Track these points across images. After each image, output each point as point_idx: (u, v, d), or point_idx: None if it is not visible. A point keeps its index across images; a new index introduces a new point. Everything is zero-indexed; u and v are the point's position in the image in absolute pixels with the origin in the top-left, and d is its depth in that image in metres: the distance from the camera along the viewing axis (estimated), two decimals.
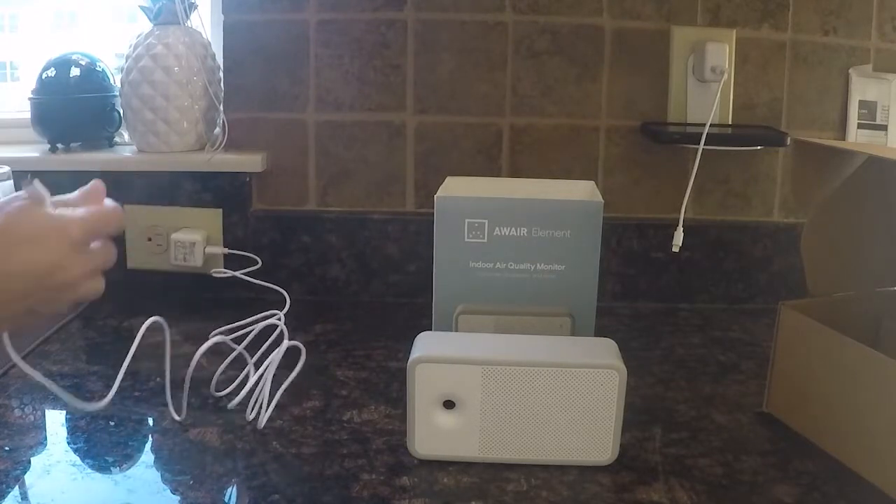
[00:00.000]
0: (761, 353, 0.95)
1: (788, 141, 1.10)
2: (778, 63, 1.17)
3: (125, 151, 1.21)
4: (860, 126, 1.20)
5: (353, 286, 1.18)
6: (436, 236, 0.85)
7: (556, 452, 0.70)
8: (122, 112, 1.20)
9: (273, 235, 1.18)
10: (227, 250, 1.17)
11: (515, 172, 1.18)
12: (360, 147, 1.18)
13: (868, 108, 1.20)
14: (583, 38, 1.16)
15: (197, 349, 0.77)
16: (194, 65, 1.16)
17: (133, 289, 1.11)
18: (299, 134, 1.18)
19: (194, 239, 1.16)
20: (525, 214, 0.84)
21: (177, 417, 0.78)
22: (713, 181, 1.19)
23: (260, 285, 1.11)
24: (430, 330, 0.84)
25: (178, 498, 0.67)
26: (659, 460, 0.72)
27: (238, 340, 0.87)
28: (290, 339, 0.88)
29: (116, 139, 1.24)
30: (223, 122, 1.18)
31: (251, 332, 0.92)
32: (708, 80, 1.15)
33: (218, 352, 0.82)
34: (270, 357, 0.85)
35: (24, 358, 0.62)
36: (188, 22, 1.18)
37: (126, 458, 0.72)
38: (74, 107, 1.19)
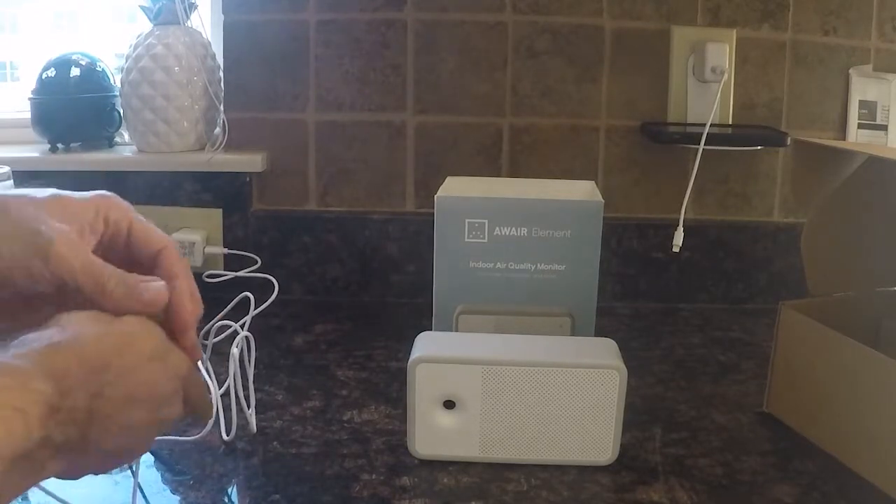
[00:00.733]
0: (761, 353, 0.95)
1: (788, 141, 1.10)
2: (778, 63, 1.17)
3: (125, 151, 1.21)
4: (860, 126, 1.20)
5: (353, 286, 1.18)
6: (436, 236, 0.85)
7: (557, 452, 0.70)
8: (122, 112, 1.20)
9: (273, 235, 1.18)
10: (227, 250, 1.17)
11: (515, 172, 1.18)
12: (360, 147, 1.18)
13: (868, 108, 1.20)
14: (583, 38, 1.16)
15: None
16: (194, 65, 1.16)
17: None
18: (299, 134, 1.18)
19: (194, 239, 1.16)
20: (525, 214, 0.84)
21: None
22: (713, 181, 1.19)
23: (260, 283, 1.11)
24: (430, 330, 0.84)
25: (179, 498, 0.67)
26: (659, 460, 0.72)
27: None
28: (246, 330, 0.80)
29: (116, 139, 1.24)
30: (223, 122, 1.18)
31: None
32: (708, 80, 1.15)
33: (218, 351, 0.81)
34: (232, 368, 0.77)
35: None
36: (188, 22, 1.18)
37: None
38: (74, 107, 1.19)
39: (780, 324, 0.78)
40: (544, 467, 0.70)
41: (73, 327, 0.46)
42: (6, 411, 0.39)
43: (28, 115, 1.20)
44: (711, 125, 1.12)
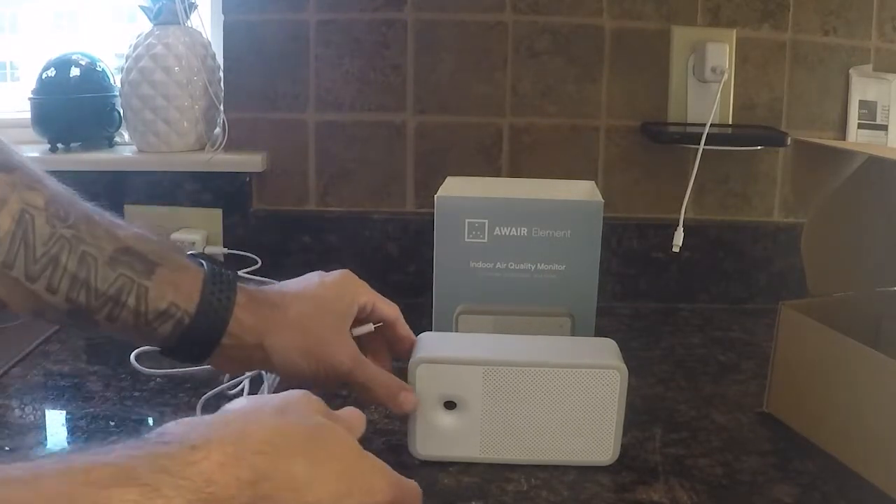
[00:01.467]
0: (761, 353, 0.95)
1: (788, 141, 1.10)
2: (778, 63, 1.17)
3: (125, 151, 1.21)
4: (860, 126, 1.20)
5: None
6: (436, 236, 0.85)
7: (557, 453, 0.70)
8: (122, 112, 1.20)
9: (273, 235, 1.18)
10: (227, 250, 1.17)
11: (515, 172, 1.18)
12: (360, 147, 1.18)
13: (868, 108, 1.20)
14: (583, 38, 1.16)
15: None
16: (194, 65, 1.16)
17: None
18: (299, 134, 1.18)
19: (194, 239, 1.16)
20: (525, 214, 0.84)
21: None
22: (713, 181, 1.19)
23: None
24: (430, 330, 0.84)
25: None
26: (659, 460, 0.72)
27: None
28: None
29: (116, 139, 1.24)
30: (223, 122, 1.18)
31: None
32: (708, 80, 1.15)
33: None
34: None
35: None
36: (188, 22, 1.18)
37: None
38: (74, 107, 1.19)
39: (780, 324, 0.78)
40: (544, 467, 0.70)
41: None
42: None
43: (28, 115, 1.20)
44: (711, 125, 1.12)
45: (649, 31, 1.16)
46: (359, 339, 0.71)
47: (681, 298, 1.17)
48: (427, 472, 0.70)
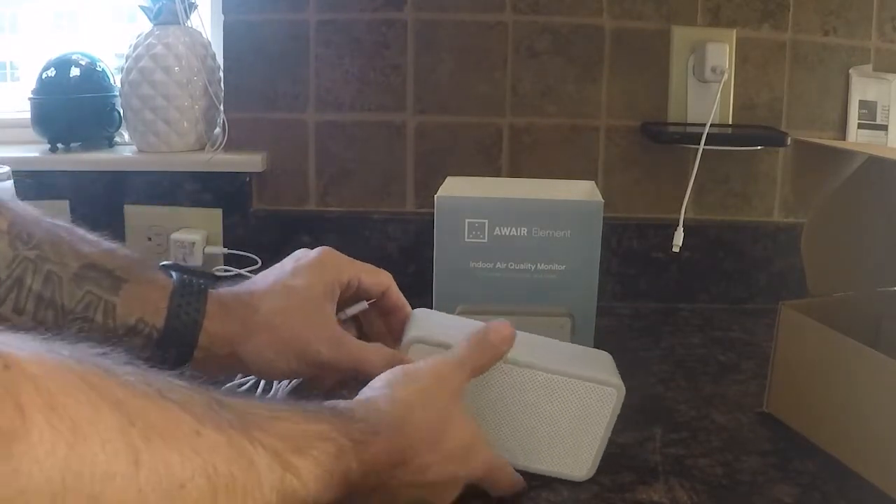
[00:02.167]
0: (761, 353, 0.95)
1: (788, 141, 1.10)
2: (778, 63, 1.17)
3: (125, 151, 1.21)
4: (860, 126, 1.20)
5: None
6: (436, 236, 0.85)
7: (533, 460, 0.67)
8: (122, 112, 1.20)
9: (273, 235, 1.18)
10: (227, 250, 1.17)
11: (515, 172, 1.18)
12: (360, 147, 1.18)
13: (868, 108, 1.20)
14: (583, 38, 1.16)
15: None
16: (194, 65, 1.16)
17: None
18: (299, 134, 1.18)
19: (194, 239, 1.16)
20: (525, 214, 0.84)
21: None
22: (713, 181, 1.19)
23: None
24: None
25: None
26: (659, 460, 0.72)
27: None
28: None
29: (116, 139, 1.24)
30: (223, 122, 1.18)
31: None
32: (708, 80, 1.15)
33: None
34: None
35: None
36: (188, 22, 1.18)
37: None
38: (74, 107, 1.19)
39: (780, 324, 0.78)
40: None
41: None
42: (321, 470, 0.47)
43: (28, 115, 1.20)
44: (711, 125, 1.12)
45: (649, 31, 1.16)
46: (357, 320, 0.69)
47: (681, 298, 1.17)
48: None
